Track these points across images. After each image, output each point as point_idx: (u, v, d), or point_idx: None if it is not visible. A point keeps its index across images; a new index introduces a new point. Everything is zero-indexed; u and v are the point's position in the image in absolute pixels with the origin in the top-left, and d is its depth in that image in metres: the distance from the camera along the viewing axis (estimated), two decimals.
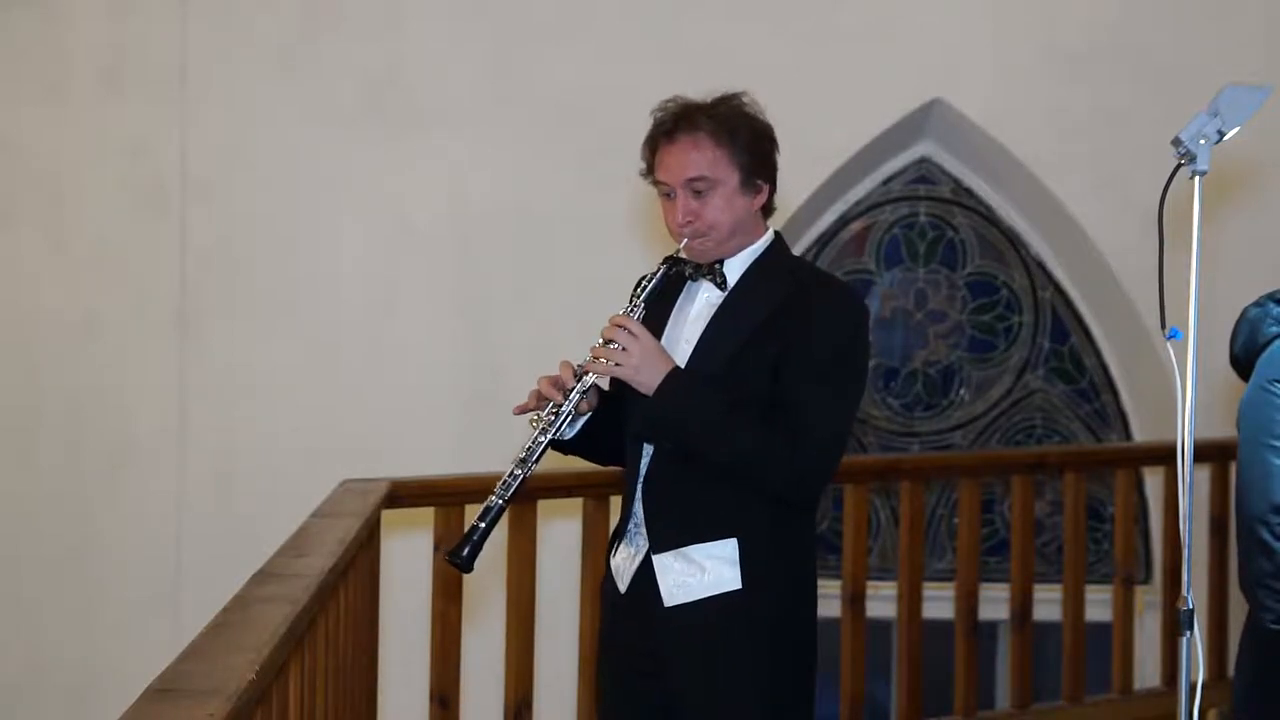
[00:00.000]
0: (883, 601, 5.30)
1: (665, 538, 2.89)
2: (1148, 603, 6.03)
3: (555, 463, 3.38)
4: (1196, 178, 2.92)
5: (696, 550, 2.87)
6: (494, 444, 4.64)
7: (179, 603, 5.68)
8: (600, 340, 2.88)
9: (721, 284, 2.93)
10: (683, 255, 2.94)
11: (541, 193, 5.83)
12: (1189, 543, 2.95)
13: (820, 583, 3.02)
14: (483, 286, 5.85)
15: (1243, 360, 3.01)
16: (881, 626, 5.46)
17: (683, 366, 2.88)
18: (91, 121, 5.85)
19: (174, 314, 5.81)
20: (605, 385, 3.02)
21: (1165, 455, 4.73)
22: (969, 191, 6.32)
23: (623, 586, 2.96)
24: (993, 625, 5.81)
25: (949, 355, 6.37)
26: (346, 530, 3.35)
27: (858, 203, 6.32)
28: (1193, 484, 2.94)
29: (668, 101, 2.94)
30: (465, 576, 3.45)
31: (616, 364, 2.85)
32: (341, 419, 5.78)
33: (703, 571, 2.87)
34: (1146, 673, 5.74)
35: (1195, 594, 3.02)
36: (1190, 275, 2.94)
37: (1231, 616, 5.34)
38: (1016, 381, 6.35)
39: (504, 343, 5.76)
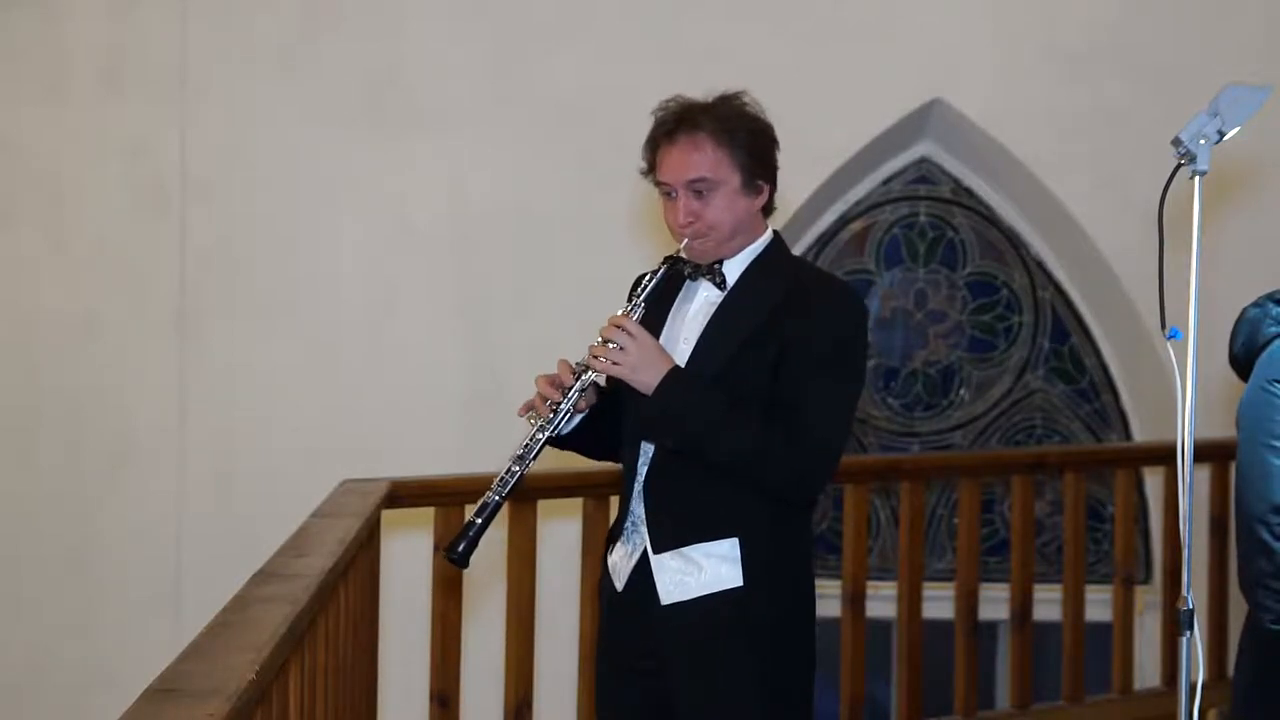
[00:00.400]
0: (883, 601, 5.30)
1: (665, 537, 2.89)
2: (1148, 603, 6.03)
3: (555, 462, 3.39)
4: (1196, 178, 2.92)
5: (695, 549, 2.87)
6: (494, 444, 4.61)
7: (179, 603, 5.67)
8: (599, 340, 2.88)
9: (721, 284, 2.93)
10: (683, 255, 2.94)
11: (541, 193, 5.82)
12: (1189, 543, 2.95)
13: (820, 583, 3.02)
14: (483, 286, 5.85)
15: (1242, 360, 3.01)
16: (881, 626, 5.46)
17: (682, 366, 2.88)
18: (91, 121, 5.85)
19: (174, 314, 5.81)
20: (603, 383, 3.02)
21: (1165, 455, 4.72)
22: (969, 191, 6.32)
23: (620, 585, 2.97)
24: (993, 625, 5.81)
25: (949, 355, 6.36)
26: (346, 530, 3.35)
27: (858, 203, 6.32)
28: (1193, 484, 2.94)
29: (668, 101, 2.94)
30: (465, 576, 3.45)
31: (615, 363, 2.85)
32: (341, 419, 5.78)
33: (700, 570, 2.87)
34: (1146, 673, 5.74)
35: (1195, 594, 3.02)
36: (1190, 275, 2.94)
37: (1231, 616, 5.33)
38: (1016, 381, 6.34)
39: (504, 343, 5.76)
